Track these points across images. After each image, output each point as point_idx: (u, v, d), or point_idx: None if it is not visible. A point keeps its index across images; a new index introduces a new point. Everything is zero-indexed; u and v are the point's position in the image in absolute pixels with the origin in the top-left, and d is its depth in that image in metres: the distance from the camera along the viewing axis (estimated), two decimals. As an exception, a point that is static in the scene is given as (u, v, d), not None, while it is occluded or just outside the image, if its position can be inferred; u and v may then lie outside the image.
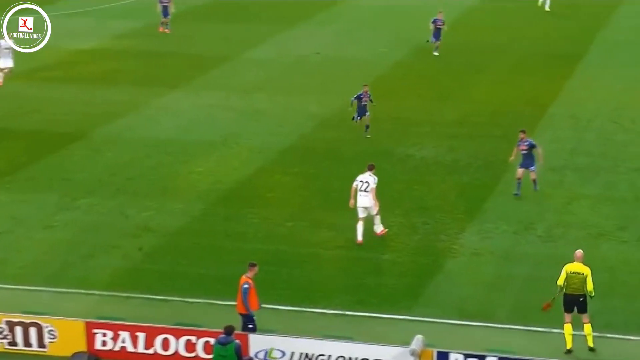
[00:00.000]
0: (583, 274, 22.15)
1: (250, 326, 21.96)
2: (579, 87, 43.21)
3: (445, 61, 47.92)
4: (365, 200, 27.50)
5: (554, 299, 22.44)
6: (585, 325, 22.24)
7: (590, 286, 22.14)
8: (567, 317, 22.24)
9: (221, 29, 55.82)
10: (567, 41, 51.56)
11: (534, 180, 30.46)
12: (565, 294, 22.31)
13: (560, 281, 22.25)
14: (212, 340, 21.11)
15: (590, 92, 42.42)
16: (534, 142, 30.55)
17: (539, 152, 30.48)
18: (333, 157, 34.82)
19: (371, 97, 36.19)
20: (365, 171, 27.98)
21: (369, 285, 25.51)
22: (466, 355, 21.12)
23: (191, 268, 26.60)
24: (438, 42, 48.20)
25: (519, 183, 30.44)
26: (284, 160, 34.77)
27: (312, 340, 21.86)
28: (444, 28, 48.15)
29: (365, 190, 27.49)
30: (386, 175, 32.59)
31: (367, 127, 36.21)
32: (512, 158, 30.96)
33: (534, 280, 25.66)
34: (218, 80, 45.47)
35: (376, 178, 27.79)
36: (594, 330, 22.84)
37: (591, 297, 22.27)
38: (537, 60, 47.86)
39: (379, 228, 27.78)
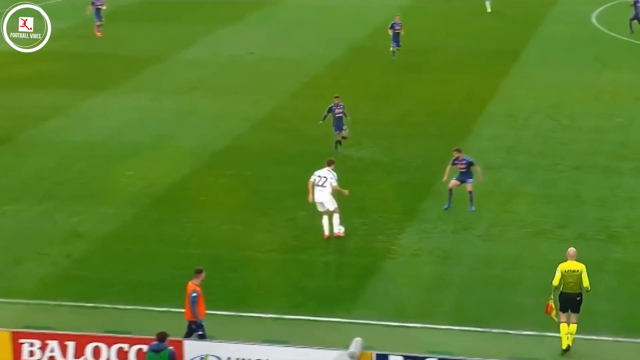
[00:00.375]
0: (578, 270, 22.16)
1: (200, 333, 21.85)
2: (516, 85, 43.71)
3: (382, 61, 48.10)
4: (321, 195, 27.73)
5: (552, 298, 22.28)
6: (571, 324, 22.21)
7: (586, 282, 22.18)
8: (563, 316, 22.20)
9: (152, 29, 55.46)
10: (504, 39, 52.14)
11: (470, 193, 29.53)
12: (562, 293, 22.22)
13: (556, 281, 22.15)
14: (144, 348, 20.85)
15: (528, 89, 42.93)
16: (471, 160, 29.55)
17: (477, 169, 29.62)
18: (268, 158, 34.74)
19: (345, 111, 33.97)
20: (324, 166, 28.23)
21: (306, 288, 25.47)
22: (406, 357, 21.12)
23: (123, 274, 26.31)
24: (396, 48, 46.82)
25: (451, 194, 29.60)
26: (218, 162, 34.60)
27: (249, 345, 21.70)
28: (401, 32, 46.75)
29: (322, 185, 27.76)
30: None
31: (340, 142, 34.06)
32: (445, 178, 29.71)
33: (473, 280, 25.84)
34: (149, 82, 45.16)
35: (335, 174, 28.02)
36: (534, 329, 23.11)
37: (587, 291, 22.32)
38: (474, 59, 48.31)
39: (336, 228, 27.88)
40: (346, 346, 20.99)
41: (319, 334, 23.07)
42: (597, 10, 58.50)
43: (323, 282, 25.77)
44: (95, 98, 42.35)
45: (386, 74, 45.75)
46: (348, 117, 34.30)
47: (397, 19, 47.10)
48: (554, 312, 22.30)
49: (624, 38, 51.65)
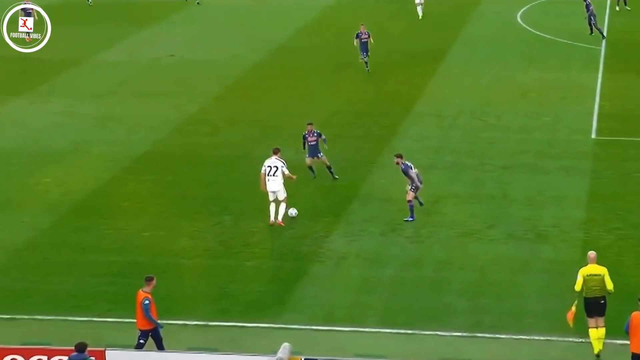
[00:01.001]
0: (600, 274, 22.22)
1: (142, 342, 21.83)
2: (443, 85, 44.25)
3: (307, 62, 48.38)
4: (273, 185, 28.76)
5: (576, 304, 22.31)
6: (599, 328, 22.24)
7: (610, 285, 22.21)
8: (591, 321, 22.26)
9: (68, 31, 54.77)
10: (430, 38, 52.72)
11: (408, 202, 29.76)
12: (585, 299, 22.23)
13: (578, 286, 22.17)
14: (64, 359, 20.70)
15: (455, 89, 43.50)
16: (404, 168, 29.57)
17: (411, 175, 29.57)
18: (190, 162, 34.70)
19: (322, 135, 32.51)
20: (271, 155, 29.09)
21: (232, 293, 25.52)
22: (334, 362, 21.34)
23: (41, 284, 26.07)
24: (366, 58, 45.30)
25: (415, 203, 29.81)
26: (139, 167, 34.46)
27: (175, 354, 21.68)
28: (370, 41, 45.05)
29: (274, 175, 28.73)
30: (247, 179, 32.73)
31: (330, 169, 32.55)
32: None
33: (402, 283, 26.12)
34: (65, 86, 44.79)
35: (285, 162, 29.01)
36: (465, 330, 23.47)
37: (609, 294, 22.32)
38: (400, 58, 48.76)
39: (280, 217, 28.81)
40: (274, 352, 21.06)
41: (246, 340, 23.15)
42: (522, 9, 59.50)
43: (250, 287, 25.82)
44: (7, 104, 41.87)
45: (311, 75, 45.99)
46: (326, 145, 32.91)
47: (362, 29, 45.38)
48: (572, 320, 22.23)
49: (549, 37, 52.63)
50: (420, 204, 30.16)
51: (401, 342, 23.26)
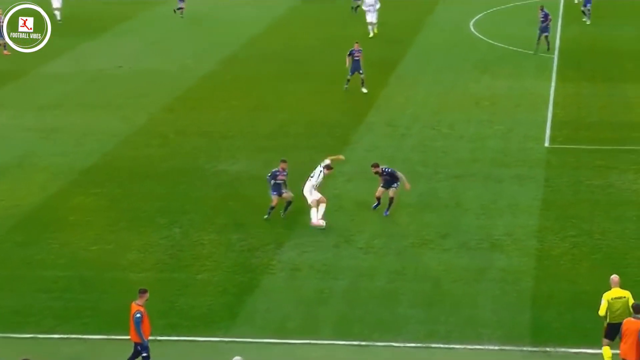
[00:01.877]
0: (624, 297, 22.10)
1: (145, 355, 21.74)
2: (396, 94, 44.43)
3: (258, 70, 48.39)
4: (307, 186, 30.20)
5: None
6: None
7: None
8: (606, 341, 22.15)
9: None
10: (382, 47, 52.88)
11: (392, 200, 30.71)
12: (609, 324, 22.01)
13: (602, 311, 22.02)
14: (10, 376, 20.56)
15: (408, 98, 43.70)
16: (391, 170, 31.01)
17: (399, 175, 30.74)
18: (139, 175, 34.55)
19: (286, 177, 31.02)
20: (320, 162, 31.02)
21: (181, 307, 25.42)
22: (287, 374, 21.36)
23: (-16, 300, 25.84)
24: (362, 76, 43.91)
25: (379, 203, 30.96)
26: (86, 180, 34.24)
27: (123, 370, 21.63)
28: (362, 61, 43.58)
29: (310, 177, 30.34)
30: (198, 192, 32.75)
31: (289, 204, 30.82)
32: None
33: (356, 293, 26.19)
34: (9, 98, 44.42)
35: (324, 169, 30.60)
36: (419, 340, 23.59)
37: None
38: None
39: (320, 215, 29.98)
40: (226, 366, 21.08)
41: (196, 354, 23.14)
42: (475, 18, 59.96)
43: (200, 301, 25.74)
44: (-52, 117, 41.48)
45: (262, 85, 45.98)
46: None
47: (356, 46, 44.26)
48: None
49: (501, 45, 53.08)
50: (375, 207, 31.03)
51: (355, 353, 23.33)
